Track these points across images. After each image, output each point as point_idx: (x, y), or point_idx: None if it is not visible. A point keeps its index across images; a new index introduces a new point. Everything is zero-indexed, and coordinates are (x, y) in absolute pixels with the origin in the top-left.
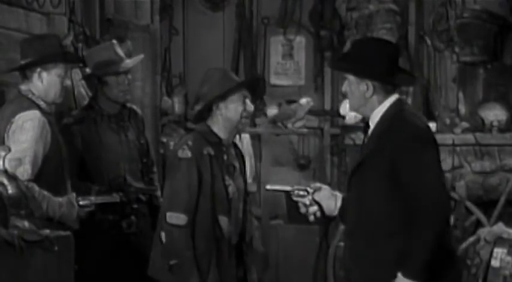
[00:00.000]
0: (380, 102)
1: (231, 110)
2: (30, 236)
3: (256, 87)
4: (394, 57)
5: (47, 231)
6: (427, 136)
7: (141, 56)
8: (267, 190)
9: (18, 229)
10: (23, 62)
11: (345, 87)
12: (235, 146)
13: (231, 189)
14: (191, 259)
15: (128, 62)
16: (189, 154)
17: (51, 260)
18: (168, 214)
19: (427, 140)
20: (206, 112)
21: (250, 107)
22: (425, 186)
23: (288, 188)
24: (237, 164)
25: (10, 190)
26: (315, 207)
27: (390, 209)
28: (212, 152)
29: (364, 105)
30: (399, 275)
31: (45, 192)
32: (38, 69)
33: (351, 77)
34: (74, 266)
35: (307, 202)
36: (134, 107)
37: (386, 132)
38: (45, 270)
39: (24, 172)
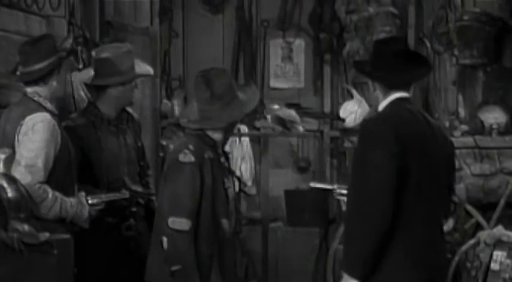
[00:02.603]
0: (382, 99)
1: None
2: (30, 239)
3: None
4: (392, 55)
5: (46, 235)
6: (386, 134)
7: (151, 72)
8: (311, 187)
9: (17, 232)
10: (29, 69)
11: None
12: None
13: (230, 191)
14: (194, 264)
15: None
16: (192, 158)
17: (51, 263)
18: (171, 219)
19: (382, 137)
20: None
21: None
22: (360, 184)
23: (330, 187)
24: (227, 165)
25: (10, 193)
26: None
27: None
28: (212, 156)
29: (375, 101)
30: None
31: (58, 194)
32: (55, 72)
33: None
34: (73, 269)
35: None
36: (130, 110)
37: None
38: (45, 273)
39: (37, 174)
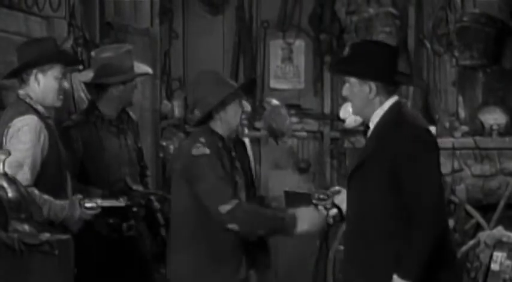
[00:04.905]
0: (381, 103)
1: (230, 114)
2: (30, 239)
3: (251, 88)
4: (394, 59)
5: (47, 235)
6: (428, 138)
7: (150, 71)
8: (286, 193)
9: (18, 232)
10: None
11: (345, 91)
12: (242, 143)
13: (239, 185)
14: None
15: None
16: (206, 150)
17: (51, 264)
18: (221, 207)
19: (428, 141)
20: (206, 118)
21: (247, 107)
22: (426, 188)
23: (308, 192)
24: (240, 160)
25: (10, 193)
26: (334, 210)
27: (389, 209)
28: (223, 147)
29: (367, 107)
30: (395, 276)
31: (46, 196)
32: (34, 71)
33: (352, 80)
34: (74, 270)
35: (328, 205)
36: (130, 111)
37: (387, 133)
38: (45, 273)
39: (24, 177)
